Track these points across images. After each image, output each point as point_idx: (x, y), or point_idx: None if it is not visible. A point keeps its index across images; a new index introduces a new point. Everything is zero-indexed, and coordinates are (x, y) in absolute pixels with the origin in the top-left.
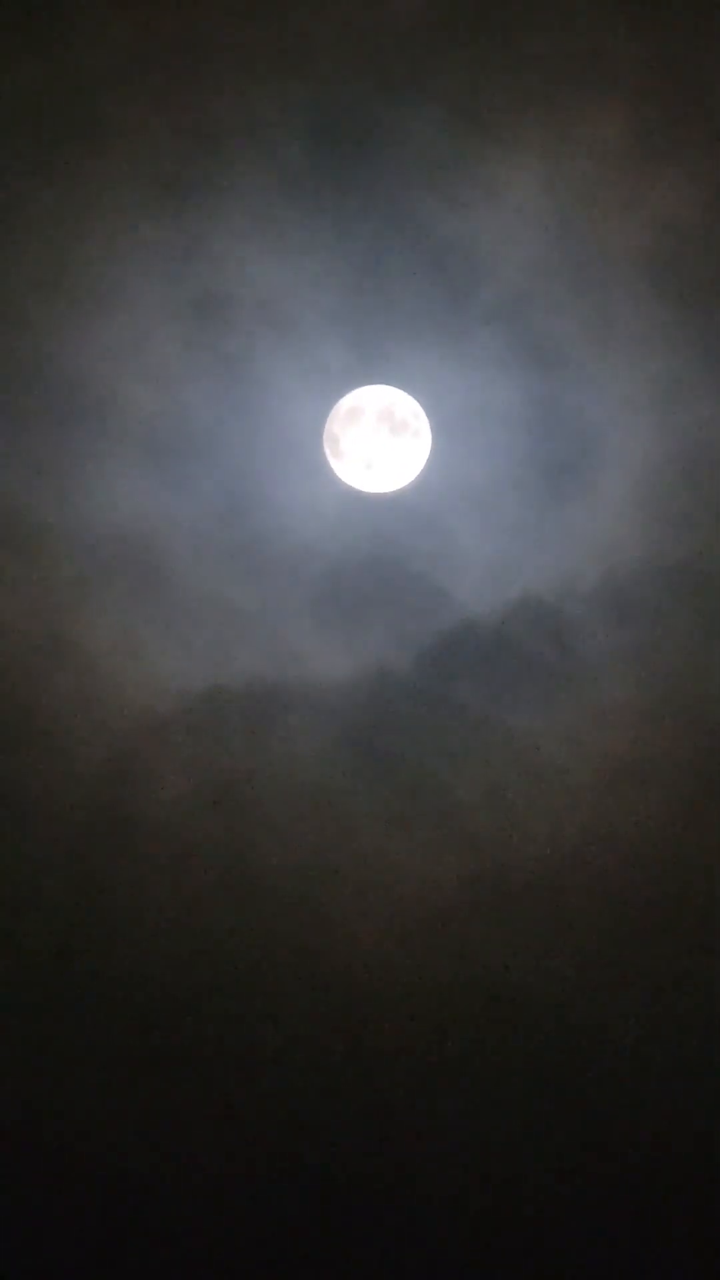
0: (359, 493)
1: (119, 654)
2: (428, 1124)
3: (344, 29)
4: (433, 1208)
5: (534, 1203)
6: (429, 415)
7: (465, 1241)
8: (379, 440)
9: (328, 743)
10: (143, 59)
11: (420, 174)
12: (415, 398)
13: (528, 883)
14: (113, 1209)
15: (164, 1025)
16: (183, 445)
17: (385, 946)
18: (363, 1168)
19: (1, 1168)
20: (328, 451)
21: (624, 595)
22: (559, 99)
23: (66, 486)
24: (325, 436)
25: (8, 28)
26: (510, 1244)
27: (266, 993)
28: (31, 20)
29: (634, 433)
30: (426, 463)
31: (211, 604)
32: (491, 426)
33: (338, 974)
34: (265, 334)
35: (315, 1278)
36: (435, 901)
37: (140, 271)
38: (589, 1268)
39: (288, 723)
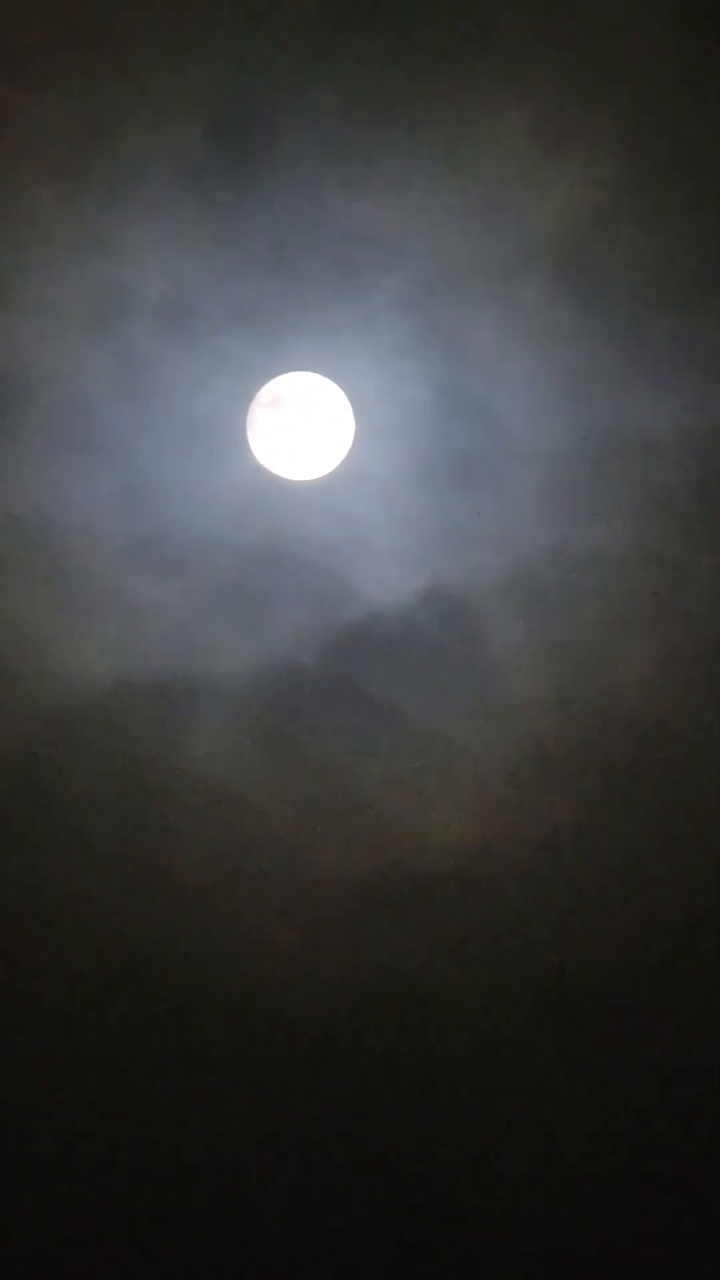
0: (266, 483)
1: (21, 650)
2: (333, 1120)
3: (244, 16)
4: (341, 1222)
5: (457, 1201)
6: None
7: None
8: (297, 430)
9: (236, 736)
10: (39, 45)
11: (323, 163)
12: None
13: (438, 875)
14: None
15: (69, 1029)
16: (86, 437)
17: (295, 941)
18: (263, 1178)
19: None
20: (250, 439)
21: (532, 586)
22: (462, 87)
23: None
24: (247, 423)
25: None
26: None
27: (176, 990)
28: None
29: (542, 423)
30: (334, 452)
31: (116, 597)
32: (399, 417)
33: (247, 970)
34: (168, 324)
35: None
36: (345, 896)
37: (38, 262)
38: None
39: (195, 717)
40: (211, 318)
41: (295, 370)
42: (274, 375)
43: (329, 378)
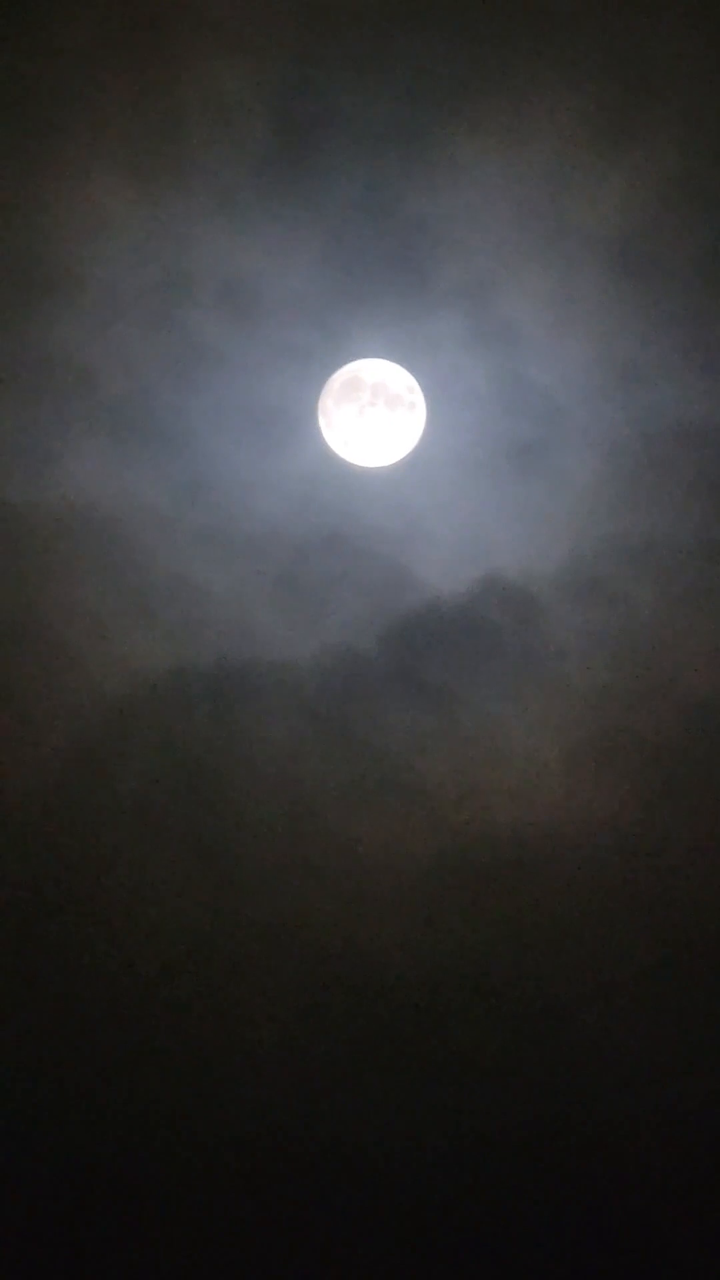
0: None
1: (86, 635)
2: (382, 1096)
3: (306, 9)
4: (406, 1190)
5: (509, 1185)
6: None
7: (454, 1231)
8: (366, 418)
9: (295, 722)
10: (108, 39)
11: (384, 155)
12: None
13: (494, 860)
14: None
15: (133, 1013)
16: (150, 425)
17: (351, 924)
18: (341, 1151)
19: None
20: (318, 426)
21: (590, 574)
22: (521, 79)
23: (33, 467)
24: (318, 410)
25: None
26: (499, 1237)
27: (236, 972)
28: None
29: (599, 412)
30: (401, 442)
31: (179, 584)
32: (457, 406)
33: (305, 952)
34: (231, 313)
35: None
36: (402, 880)
37: (105, 253)
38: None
39: (255, 702)
40: (273, 307)
41: (359, 359)
42: (335, 364)
43: (381, 367)
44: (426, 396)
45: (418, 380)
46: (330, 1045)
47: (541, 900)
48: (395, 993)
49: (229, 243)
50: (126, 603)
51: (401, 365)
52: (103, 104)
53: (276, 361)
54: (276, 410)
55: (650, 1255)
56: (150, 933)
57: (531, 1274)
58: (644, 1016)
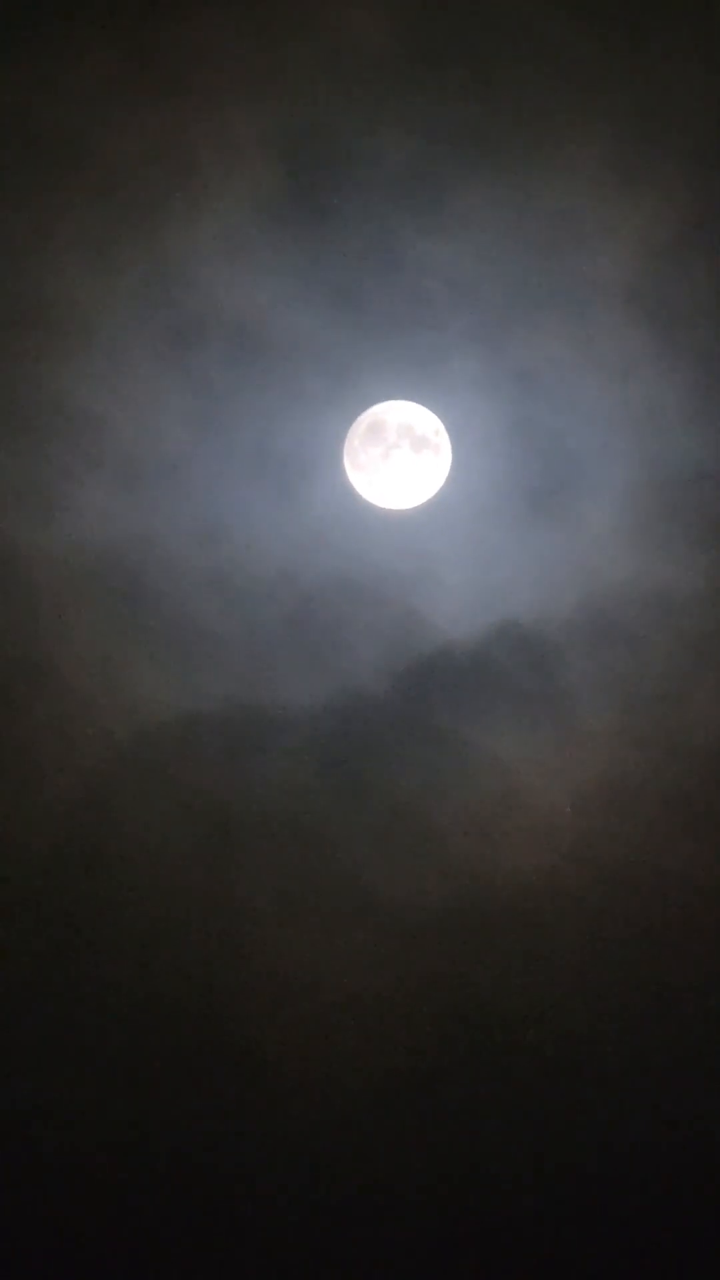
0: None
1: (96, 679)
2: (407, 1148)
3: (320, 53)
4: (413, 1232)
5: (515, 1225)
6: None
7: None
8: (382, 463)
9: (306, 767)
10: (119, 82)
11: (396, 198)
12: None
13: (507, 907)
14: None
15: (141, 1058)
16: (160, 468)
17: (363, 972)
18: (343, 1192)
19: None
20: (327, 471)
21: (603, 620)
22: (534, 123)
23: (44, 509)
24: (341, 454)
25: None
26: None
27: (245, 1019)
28: (8, 41)
29: (614, 457)
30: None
31: (189, 628)
32: (470, 450)
33: (316, 999)
34: (242, 358)
35: None
36: (413, 926)
37: (117, 295)
38: None
39: (265, 746)
40: (285, 351)
41: (376, 403)
42: (346, 408)
43: (404, 410)
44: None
45: (431, 424)
46: (340, 1091)
47: (553, 946)
48: (405, 1037)
49: (239, 287)
50: (136, 647)
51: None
52: (112, 146)
53: (288, 406)
54: (287, 454)
55: None
56: (160, 977)
57: None
58: (657, 1061)
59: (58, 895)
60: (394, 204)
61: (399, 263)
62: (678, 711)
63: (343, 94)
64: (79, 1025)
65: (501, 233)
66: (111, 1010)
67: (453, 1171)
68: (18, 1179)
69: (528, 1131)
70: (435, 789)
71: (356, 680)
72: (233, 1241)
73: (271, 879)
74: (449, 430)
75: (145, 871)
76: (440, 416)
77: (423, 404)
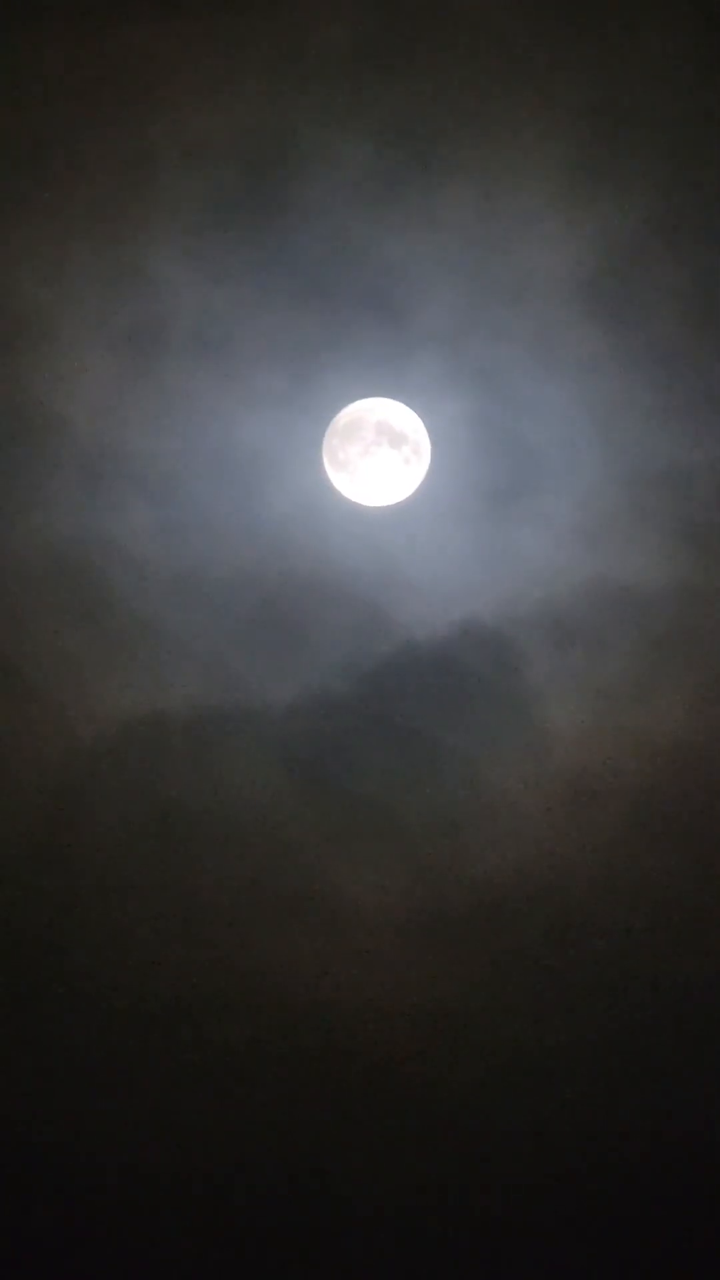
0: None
1: (59, 680)
2: (366, 1151)
3: (278, 55)
4: (371, 1246)
5: (482, 1228)
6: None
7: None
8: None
9: (270, 767)
10: (75, 84)
11: (356, 198)
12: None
13: (473, 906)
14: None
15: (106, 1061)
16: (124, 471)
17: (328, 974)
18: (300, 1200)
19: None
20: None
21: (567, 619)
22: (493, 123)
23: (6, 513)
24: (325, 449)
25: None
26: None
27: (207, 1020)
28: None
29: (576, 456)
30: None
31: (152, 629)
32: (433, 450)
33: (279, 1001)
34: (203, 358)
35: None
36: (380, 927)
37: (75, 297)
38: None
39: (230, 747)
40: (245, 351)
41: (339, 402)
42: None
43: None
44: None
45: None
46: (308, 1094)
47: (521, 945)
48: (373, 1039)
49: (199, 287)
50: (101, 648)
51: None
52: (71, 148)
53: (248, 405)
54: (248, 454)
55: None
56: (124, 980)
57: None
58: (627, 1059)
59: (22, 896)
60: (353, 204)
61: (359, 262)
62: (643, 710)
63: (302, 94)
64: (44, 1024)
65: (463, 234)
66: (75, 1009)
67: (419, 1174)
68: None
69: (497, 1132)
70: (401, 788)
71: (322, 680)
72: (196, 1241)
73: (237, 879)
74: (406, 429)
75: (109, 871)
76: (398, 418)
77: (387, 406)
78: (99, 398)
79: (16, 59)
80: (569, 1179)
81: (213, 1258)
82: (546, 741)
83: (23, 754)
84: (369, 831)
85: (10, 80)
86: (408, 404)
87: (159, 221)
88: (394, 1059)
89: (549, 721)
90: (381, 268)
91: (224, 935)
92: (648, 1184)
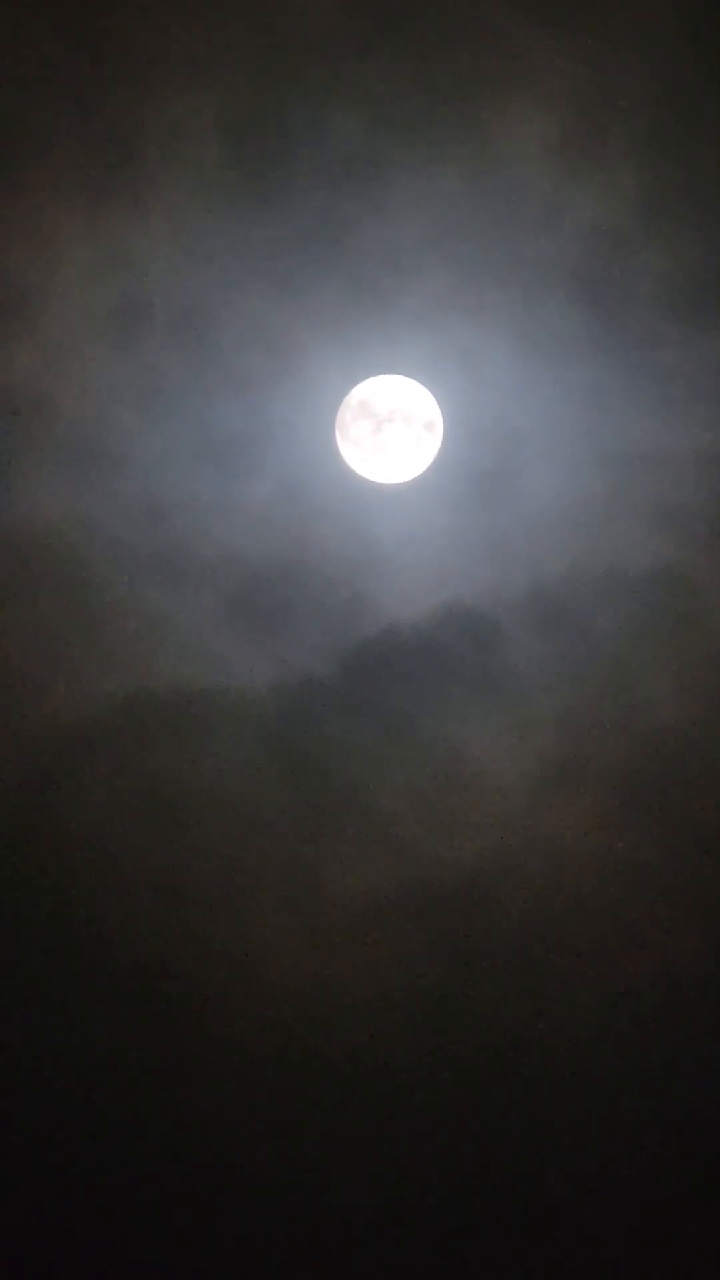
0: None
1: (41, 662)
2: (352, 1134)
3: (264, 35)
4: (350, 1227)
5: (464, 1220)
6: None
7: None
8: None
9: (253, 749)
10: (58, 64)
11: (339, 180)
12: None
13: (456, 890)
14: None
15: (90, 1044)
16: (106, 452)
17: (310, 955)
18: (281, 1182)
19: None
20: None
21: (550, 602)
22: (479, 105)
23: None
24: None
25: None
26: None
27: (192, 1001)
28: None
29: (559, 439)
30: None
31: (134, 610)
32: (418, 433)
33: (264, 981)
34: (188, 340)
35: None
36: (362, 910)
37: (59, 278)
38: None
39: (212, 730)
40: (229, 334)
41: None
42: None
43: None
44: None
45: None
46: (290, 1075)
47: (502, 929)
48: (355, 1023)
49: (185, 270)
50: (83, 628)
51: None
52: (55, 130)
53: (233, 388)
54: (233, 436)
55: None
56: (107, 963)
57: None
58: (608, 1050)
59: (4, 880)
60: (338, 187)
61: (343, 246)
62: (626, 693)
63: (287, 77)
64: (27, 1010)
65: (447, 218)
66: (60, 994)
67: (400, 1158)
68: None
69: (477, 1117)
70: (383, 771)
71: (304, 662)
72: (182, 1219)
73: (218, 861)
74: (391, 411)
75: (91, 854)
76: (385, 399)
77: (377, 386)
78: (83, 379)
79: (1, 42)
80: (549, 1159)
81: (193, 1242)
82: (528, 724)
83: (3, 734)
84: (350, 812)
85: None
86: (389, 386)
87: (145, 203)
88: (371, 1040)
89: (530, 704)
90: (366, 251)
91: (204, 914)
92: (631, 1166)
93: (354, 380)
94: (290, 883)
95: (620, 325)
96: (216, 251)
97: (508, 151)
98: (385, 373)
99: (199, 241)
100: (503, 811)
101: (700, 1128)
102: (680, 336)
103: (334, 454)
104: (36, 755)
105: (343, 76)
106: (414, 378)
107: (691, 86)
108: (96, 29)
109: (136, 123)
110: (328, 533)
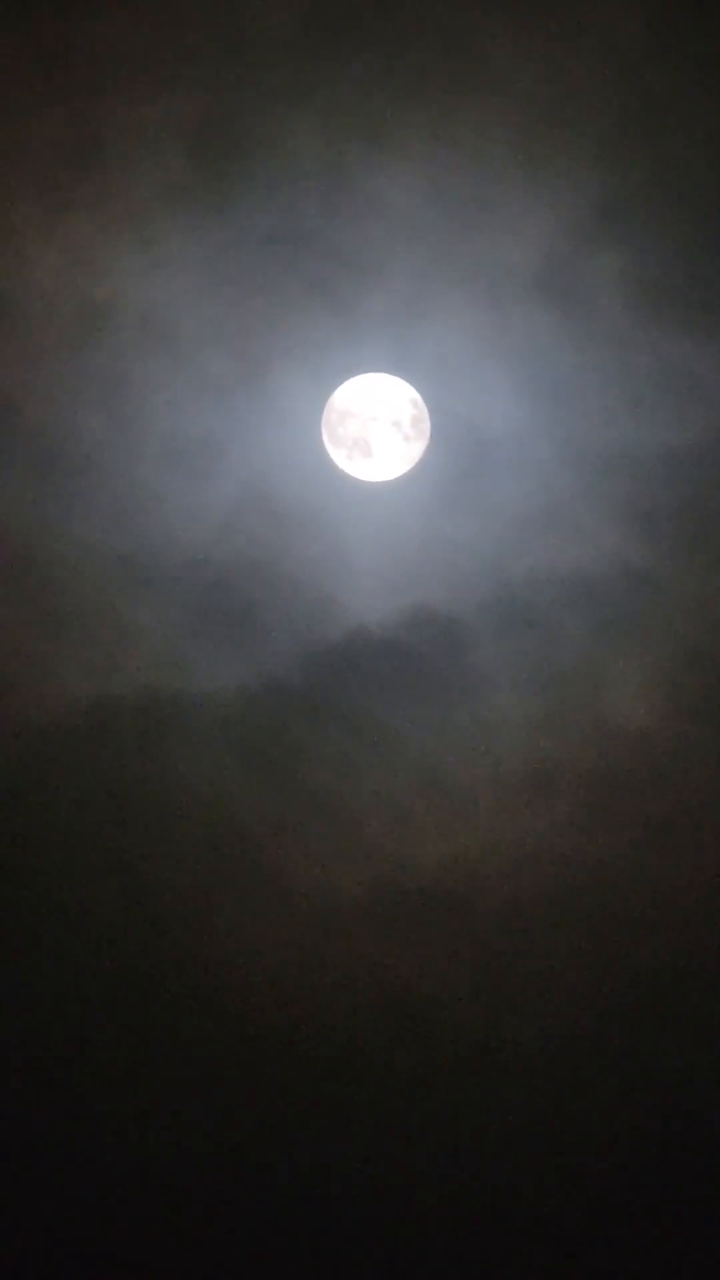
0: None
1: (9, 666)
2: (325, 1137)
3: (226, 40)
4: (317, 1225)
5: (433, 1219)
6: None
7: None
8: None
9: (220, 752)
10: (23, 68)
11: (303, 184)
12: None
13: (425, 893)
14: None
15: (56, 1044)
16: (70, 454)
17: (279, 960)
18: (262, 1185)
19: None
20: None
21: (517, 603)
22: (444, 110)
23: None
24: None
25: None
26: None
27: (158, 1006)
28: None
29: (525, 442)
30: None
31: (100, 614)
32: (381, 436)
33: (231, 987)
34: (150, 343)
35: None
36: (331, 914)
37: (23, 282)
38: None
39: (179, 733)
40: (193, 337)
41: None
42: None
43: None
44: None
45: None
46: (257, 1081)
47: (471, 931)
48: (322, 1026)
49: (147, 273)
50: (50, 631)
51: (316, 393)
52: (17, 132)
53: (197, 390)
54: (197, 439)
55: None
56: (74, 965)
57: None
58: (578, 1047)
59: None
60: (301, 190)
61: (306, 249)
62: (593, 695)
63: (249, 81)
64: None
65: (409, 220)
66: (27, 993)
67: (372, 1155)
68: None
69: (448, 1115)
70: (351, 774)
71: (270, 666)
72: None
73: (186, 865)
74: (353, 414)
75: (57, 856)
76: (350, 401)
77: (332, 389)
78: (46, 382)
79: None
80: (527, 1160)
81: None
82: (497, 726)
83: None
84: (318, 816)
85: None
86: (355, 389)
87: (108, 207)
88: (343, 1043)
89: (499, 706)
90: (329, 254)
91: (173, 918)
92: (599, 1160)
93: (319, 383)
94: (259, 885)
95: (586, 326)
96: (180, 254)
97: (471, 153)
98: (349, 375)
99: (162, 244)
100: (471, 813)
101: (669, 1122)
102: (647, 337)
103: (300, 457)
104: (2, 757)
105: (303, 80)
106: (382, 382)
107: (655, 87)
108: (59, 35)
109: (99, 127)
110: (295, 536)
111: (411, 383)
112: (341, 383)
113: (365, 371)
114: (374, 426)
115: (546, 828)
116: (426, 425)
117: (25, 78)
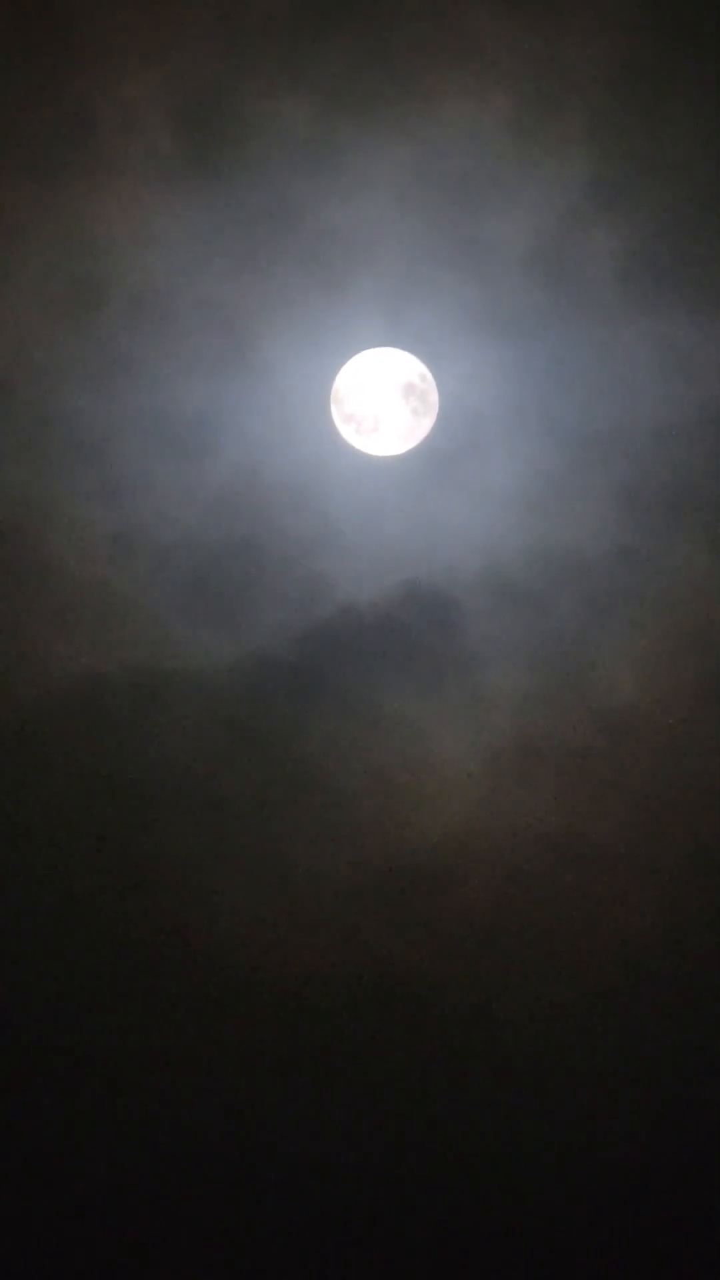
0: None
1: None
2: (322, 1112)
3: (216, 18)
4: (311, 1207)
5: (424, 1198)
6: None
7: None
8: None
9: (211, 729)
10: (13, 46)
11: (294, 161)
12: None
13: (416, 868)
14: None
15: (50, 1020)
16: (62, 432)
17: (271, 934)
18: (253, 1162)
19: None
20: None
21: (509, 581)
22: (434, 89)
23: None
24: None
25: None
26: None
27: (151, 983)
28: None
29: (517, 420)
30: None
31: (92, 591)
32: (374, 414)
33: (223, 964)
34: (142, 321)
35: None
36: (322, 889)
37: (13, 258)
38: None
39: (170, 710)
40: (185, 315)
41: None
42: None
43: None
44: (339, 403)
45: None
46: (247, 1054)
47: (463, 907)
48: (314, 1002)
49: (139, 251)
50: (42, 610)
51: (312, 371)
52: (11, 113)
53: (188, 368)
54: (188, 417)
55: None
56: (66, 944)
57: None
58: (568, 1025)
59: None
60: (292, 168)
61: (298, 226)
62: (584, 672)
63: (240, 59)
64: None
65: (401, 199)
66: (21, 976)
67: (365, 1137)
68: None
69: (441, 1093)
70: (343, 751)
71: (261, 643)
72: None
73: (178, 843)
74: (346, 393)
75: (49, 834)
76: (342, 379)
77: (324, 367)
78: (38, 360)
79: None
80: (519, 1135)
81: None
82: (488, 703)
83: None
84: (310, 793)
85: None
86: (346, 366)
87: (100, 185)
88: (334, 1018)
89: (490, 683)
90: (320, 232)
91: (164, 894)
92: (588, 1136)
93: (310, 360)
94: (251, 861)
95: (577, 304)
96: (172, 233)
97: (462, 131)
98: (340, 352)
99: (154, 223)
100: (462, 790)
101: (657, 1099)
102: (638, 315)
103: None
104: None
105: (295, 58)
106: (372, 361)
107: (646, 64)
108: (51, 14)
109: (91, 106)
110: (286, 513)
111: (399, 362)
112: (334, 360)
113: (359, 349)
114: (370, 403)
115: (538, 804)
116: (431, 400)
117: (17, 56)
